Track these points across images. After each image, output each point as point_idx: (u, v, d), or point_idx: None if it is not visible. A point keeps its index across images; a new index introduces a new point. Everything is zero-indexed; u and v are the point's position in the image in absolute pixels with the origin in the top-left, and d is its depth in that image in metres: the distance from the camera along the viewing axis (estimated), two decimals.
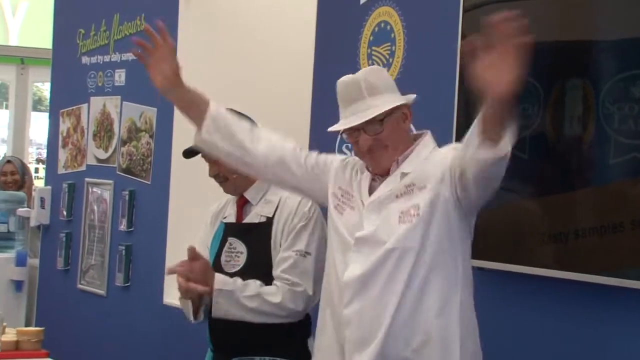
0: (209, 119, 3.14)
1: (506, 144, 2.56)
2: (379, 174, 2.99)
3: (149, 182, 5.78)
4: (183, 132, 5.50)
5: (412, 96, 3.03)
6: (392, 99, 2.95)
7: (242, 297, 3.33)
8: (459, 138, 3.69)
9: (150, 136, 5.77)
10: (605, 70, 3.28)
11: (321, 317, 3.09)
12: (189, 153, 3.60)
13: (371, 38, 4.31)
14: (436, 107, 3.94)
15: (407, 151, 2.98)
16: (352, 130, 2.96)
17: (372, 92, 2.92)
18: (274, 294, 3.37)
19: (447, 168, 2.83)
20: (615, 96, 3.17)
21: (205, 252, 3.58)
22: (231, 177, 3.54)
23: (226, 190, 3.62)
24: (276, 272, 3.42)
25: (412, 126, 3.14)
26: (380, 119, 2.90)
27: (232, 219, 3.60)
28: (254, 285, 3.38)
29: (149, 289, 5.65)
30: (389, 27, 4.22)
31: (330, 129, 3.06)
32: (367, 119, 2.90)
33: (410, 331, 2.81)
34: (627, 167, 3.14)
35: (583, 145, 3.32)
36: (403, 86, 4.06)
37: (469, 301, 2.91)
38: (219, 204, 3.76)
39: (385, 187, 2.94)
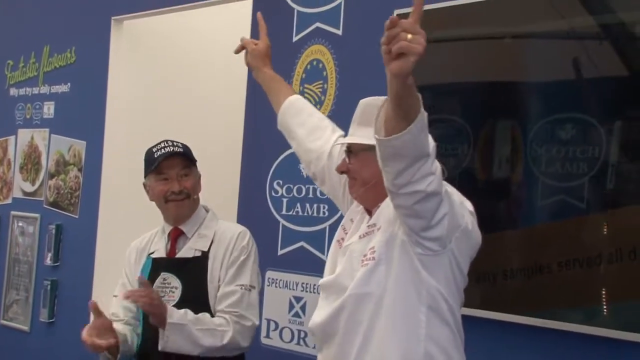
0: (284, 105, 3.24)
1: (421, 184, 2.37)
2: (365, 209, 2.80)
3: (76, 216, 5.70)
4: (112, 165, 5.48)
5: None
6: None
7: (196, 332, 3.29)
8: None
9: (79, 169, 5.70)
10: (533, 112, 3.34)
11: None
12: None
13: (303, 76, 4.33)
14: None
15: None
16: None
17: (362, 121, 2.70)
18: (226, 329, 3.33)
19: None
20: (542, 138, 3.22)
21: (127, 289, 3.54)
22: (192, 197, 3.51)
23: (178, 211, 3.50)
24: (221, 306, 3.38)
25: None
26: (351, 151, 2.75)
27: (161, 253, 3.54)
28: (205, 319, 3.33)
29: (74, 325, 5.53)
30: (321, 65, 4.24)
31: (333, 144, 3.04)
32: (333, 144, 2.95)
33: None
34: (553, 209, 3.19)
35: (511, 186, 3.36)
36: (336, 123, 4.12)
37: (448, 356, 2.61)
38: (141, 239, 3.69)
39: (358, 233, 2.75)
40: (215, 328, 3.32)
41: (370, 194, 2.71)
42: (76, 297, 5.57)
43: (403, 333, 2.55)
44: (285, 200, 4.37)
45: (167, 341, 3.26)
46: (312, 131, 3.13)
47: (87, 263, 5.50)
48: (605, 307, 3.06)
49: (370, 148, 2.56)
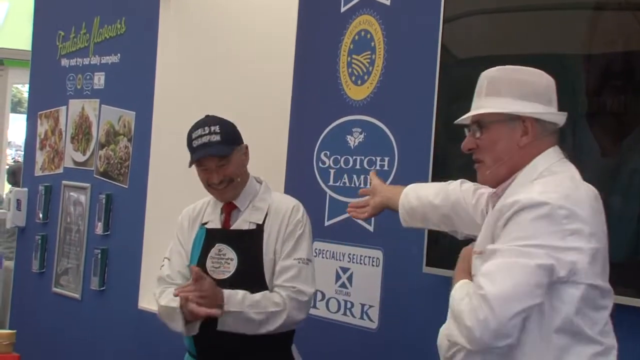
0: (401, 211, 3.19)
1: None
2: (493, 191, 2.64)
3: (126, 186, 5.75)
4: (161, 136, 5.52)
5: (556, 115, 2.56)
6: (510, 104, 2.51)
7: (253, 316, 3.33)
8: (437, 146, 3.73)
9: (129, 140, 5.75)
10: None
11: None
12: None
13: (351, 46, 4.32)
14: (415, 116, 3.96)
15: (511, 179, 2.54)
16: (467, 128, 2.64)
17: (492, 91, 2.53)
18: (282, 309, 3.36)
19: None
20: None
21: (183, 257, 3.57)
22: (236, 180, 3.50)
23: (224, 197, 3.53)
24: (279, 281, 3.42)
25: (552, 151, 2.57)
26: (481, 124, 2.55)
27: (216, 224, 3.56)
28: (263, 302, 3.36)
29: (124, 293, 5.63)
30: (369, 35, 4.22)
31: (455, 121, 2.69)
32: (461, 119, 2.63)
33: None
34: None
35: None
36: (382, 95, 4.12)
37: None
38: (193, 207, 3.71)
39: (482, 232, 2.57)
40: (273, 311, 3.35)
41: (502, 171, 2.54)
42: (126, 265, 5.65)
43: None
44: (332, 171, 4.38)
45: (224, 325, 3.32)
46: (438, 191, 3.07)
47: (137, 232, 5.56)
48: None
49: (504, 119, 2.50)
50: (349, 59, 4.32)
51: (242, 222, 3.52)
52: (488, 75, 2.58)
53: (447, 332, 2.44)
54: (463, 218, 2.97)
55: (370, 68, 4.21)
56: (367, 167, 4.20)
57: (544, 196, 2.33)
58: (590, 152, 3.20)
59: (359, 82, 4.27)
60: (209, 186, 3.51)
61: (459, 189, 3.00)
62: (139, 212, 5.57)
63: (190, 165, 3.50)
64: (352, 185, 4.26)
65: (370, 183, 3.42)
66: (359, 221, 4.17)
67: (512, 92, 2.51)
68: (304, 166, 4.50)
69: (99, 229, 5.88)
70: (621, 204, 3.07)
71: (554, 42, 3.44)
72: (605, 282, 2.44)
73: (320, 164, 4.44)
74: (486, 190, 2.85)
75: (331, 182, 4.38)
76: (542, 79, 2.56)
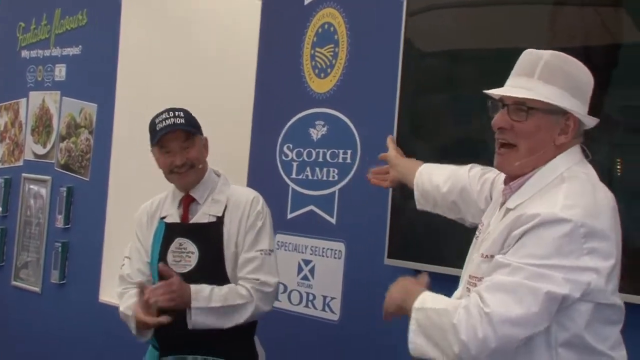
0: (416, 192, 3.13)
1: None
2: (506, 177, 2.50)
3: (87, 179, 5.72)
4: (123, 128, 5.49)
5: (592, 119, 2.42)
6: (560, 97, 2.36)
7: (222, 311, 3.34)
8: (399, 139, 3.74)
9: (90, 132, 5.71)
10: None
11: None
12: None
13: (315, 39, 4.33)
14: (378, 109, 3.97)
15: (529, 174, 2.42)
16: (499, 103, 2.44)
17: (545, 76, 2.36)
18: (249, 301, 3.39)
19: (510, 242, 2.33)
20: None
21: (142, 255, 3.58)
22: (197, 166, 3.51)
23: (185, 182, 3.52)
24: (242, 273, 3.44)
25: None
26: (531, 107, 2.36)
27: (175, 218, 3.56)
28: (230, 295, 3.37)
29: (85, 286, 5.60)
30: (332, 28, 4.23)
31: (487, 90, 2.46)
32: (511, 93, 2.38)
33: None
34: None
35: None
36: (345, 88, 4.13)
37: None
38: (150, 203, 3.70)
39: (491, 225, 2.51)
40: (240, 303, 3.37)
41: (531, 164, 2.41)
42: (87, 259, 5.61)
43: None
44: (295, 164, 4.38)
45: (195, 324, 3.32)
46: (448, 177, 3.02)
47: (98, 225, 5.53)
48: None
49: (550, 110, 2.35)
50: (312, 52, 4.33)
51: (202, 215, 3.52)
52: (543, 57, 2.40)
53: (418, 347, 2.37)
54: (469, 205, 2.92)
55: (334, 61, 4.22)
56: (329, 160, 4.21)
57: (567, 213, 2.22)
58: None
59: (322, 75, 4.27)
60: (170, 172, 3.50)
61: (467, 175, 2.95)
62: (100, 205, 5.54)
63: (154, 144, 3.49)
64: (315, 178, 4.27)
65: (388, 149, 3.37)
66: (322, 214, 4.19)
67: (564, 84, 2.37)
68: (267, 159, 4.51)
69: (60, 222, 5.84)
70: None
71: (515, 37, 3.47)
72: (617, 298, 2.35)
73: (283, 157, 4.45)
74: (492, 175, 2.82)
75: (294, 175, 4.38)
76: (587, 77, 2.44)
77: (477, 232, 2.63)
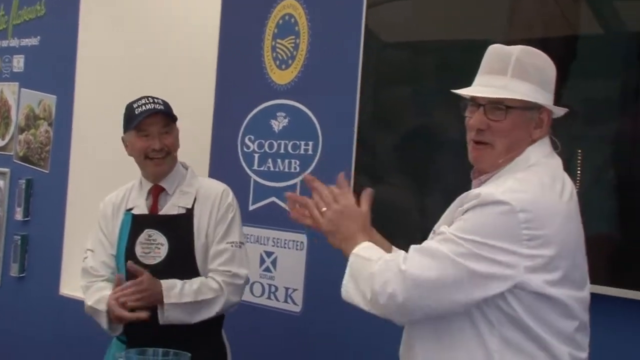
0: None
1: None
2: (477, 172, 2.49)
3: (47, 171, 5.67)
4: (83, 120, 5.45)
5: (562, 110, 2.44)
6: (537, 93, 2.37)
7: (193, 306, 3.33)
8: (360, 130, 3.76)
9: (49, 124, 5.66)
10: None
11: None
12: None
13: (275, 31, 4.32)
14: (339, 100, 3.98)
15: (498, 169, 2.41)
16: (473, 104, 2.42)
17: (519, 73, 2.36)
18: (220, 295, 3.38)
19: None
20: None
21: (106, 247, 3.54)
22: (173, 154, 3.51)
23: (159, 169, 3.49)
24: (213, 265, 3.43)
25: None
26: (508, 106, 2.35)
27: (143, 210, 3.53)
28: (201, 289, 3.36)
29: (45, 279, 5.56)
30: (293, 20, 4.23)
31: (458, 90, 2.45)
32: (491, 95, 2.35)
33: None
34: None
35: None
36: (306, 80, 4.14)
37: None
38: (115, 194, 3.66)
39: (444, 216, 2.50)
40: (212, 297, 3.37)
41: (503, 163, 2.40)
42: (47, 251, 5.57)
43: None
44: (256, 155, 4.38)
45: (167, 319, 3.31)
46: None
47: (58, 218, 5.49)
48: None
49: (525, 107, 2.35)
50: (273, 43, 4.32)
51: (171, 207, 3.50)
52: (514, 54, 2.39)
53: (348, 291, 2.40)
54: None
55: (295, 52, 4.22)
56: (291, 152, 4.21)
57: (508, 196, 2.22)
58: None
59: (283, 66, 4.27)
60: (145, 158, 3.47)
61: None
62: (60, 197, 5.50)
63: (131, 127, 3.45)
64: (277, 169, 4.27)
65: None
66: (284, 205, 4.19)
67: (536, 79, 2.38)
68: (229, 150, 4.50)
69: (19, 214, 5.79)
70: None
71: (475, 28, 3.49)
72: (562, 292, 2.29)
73: (245, 149, 4.44)
74: None
75: (255, 167, 4.38)
76: (553, 69, 2.45)
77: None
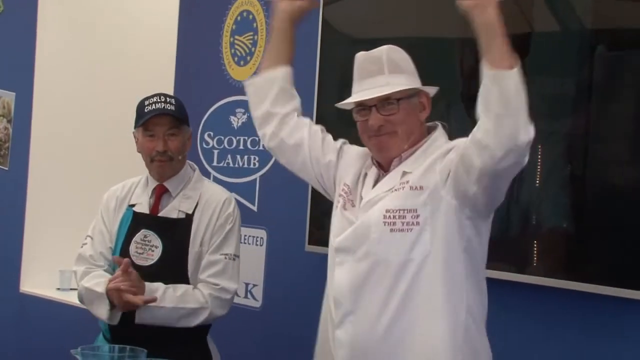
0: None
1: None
2: (383, 165, 2.65)
3: (6, 168, 5.64)
4: (42, 117, 5.42)
5: (434, 88, 2.66)
6: (413, 81, 2.60)
7: (171, 312, 3.26)
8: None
9: (8, 121, 5.63)
10: None
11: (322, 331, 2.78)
12: None
13: (234, 27, 4.33)
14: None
15: (415, 147, 2.60)
16: (363, 108, 2.60)
17: (394, 69, 2.58)
18: (205, 307, 3.31)
19: (450, 166, 2.48)
20: None
21: (106, 238, 3.47)
22: (176, 159, 3.40)
23: (161, 173, 3.41)
24: (203, 275, 3.35)
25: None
26: (397, 98, 2.55)
27: (144, 208, 3.44)
28: (185, 298, 3.29)
29: (5, 277, 5.52)
30: (251, 16, 4.24)
31: (341, 103, 2.68)
32: (384, 93, 2.53)
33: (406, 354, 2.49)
34: None
35: None
36: None
37: (478, 327, 2.54)
38: (121, 186, 3.57)
39: (382, 187, 2.59)
40: (195, 308, 3.30)
41: (408, 147, 2.59)
42: (6, 249, 5.53)
43: (449, 303, 2.46)
44: (216, 152, 4.39)
45: (142, 319, 3.25)
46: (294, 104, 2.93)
47: (17, 215, 5.45)
48: None
49: (409, 95, 2.57)
50: (231, 39, 4.33)
51: (172, 210, 3.42)
52: (384, 54, 2.59)
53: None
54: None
55: (253, 49, 4.22)
56: (250, 148, 4.22)
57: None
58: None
59: (242, 62, 4.28)
60: (151, 161, 3.39)
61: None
62: (19, 194, 5.46)
63: (139, 125, 3.38)
64: (236, 165, 4.28)
65: None
66: (244, 201, 4.21)
67: (408, 69, 2.61)
68: None
69: None
70: None
71: (431, 26, 3.52)
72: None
73: (204, 145, 4.44)
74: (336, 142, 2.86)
75: (215, 163, 4.39)
76: (410, 59, 2.66)
77: (341, 192, 2.71)
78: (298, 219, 3.86)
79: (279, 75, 2.88)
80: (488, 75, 2.28)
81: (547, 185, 3.15)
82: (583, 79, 3.13)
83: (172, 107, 3.38)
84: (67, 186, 5.43)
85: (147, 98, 3.42)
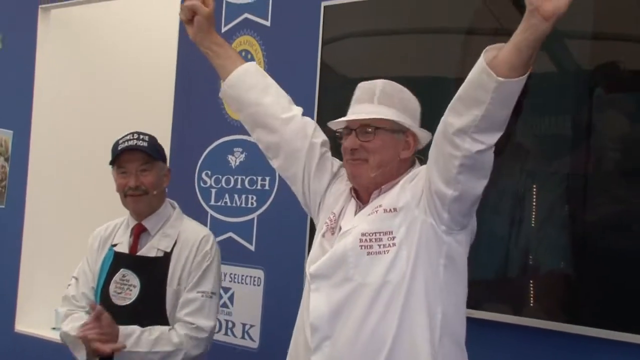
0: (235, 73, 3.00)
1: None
2: (362, 196, 2.68)
3: (3, 206, 5.63)
4: (40, 156, 5.42)
5: (427, 134, 2.64)
6: (400, 117, 2.62)
7: (147, 356, 3.25)
8: None
9: (6, 159, 5.63)
10: None
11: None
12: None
13: None
14: None
15: (394, 181, 2.64)
16: (348, 132, 2.66)
17: (384, 101, 2.63)
18: (179, 348, 3.29)
19: (422, 184, 2.54)
20: None
21: (89, 279, 3.49)
22: (151, 193, 3.42)
23: (136, 208, 3.44)
24: (180, 314, 3.35)
25: None
26: (376, 127, 2.59)
27: (124, 248, 3.47)
28: (160, 341, 3.27)
29: (0, 316, 5.50)
30: (250, 56, 4.25)
31: (330, 122, 2.76)
32: (360, 117, 2.61)
33: None
34: None
35: None
36: None
37: (456, 340, 2.57)
38: (105, 227, 3.61)
39: (360, 217, 2.62)
40: (170, 350, 3.28)
41: (379, 178, 2.62)
42: (2, 288, 5.51)
43: (427, 318, 2.47)
44: (213, 190, 4.38)
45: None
46: (279, 98, 3.02)
47: (14, 253, 5.44)
48: None
49: (392, 129, 2.61)
50: None
51: (150, 249, 3.43)
52: (378, 85, 2.67)
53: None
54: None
55: None
56: (248, 187, 4.21)
57: None
58: None
59: None
60: (125, 196, 3.42)
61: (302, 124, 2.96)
62: (16, 232, 5.45)
63: (111, 162, 3.41)
64: (234, 204, 4.27)
65: None
66: (241, 241, 4.19)
67: (400, 106, 2.64)
68: (186, 185, 4.49)
69: None
70: (490, 224, 3.16)
71: (429, 65, 3.53)
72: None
73: (202, 184, 4.44)
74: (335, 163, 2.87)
75: (212, 202, 4.38)
76: (416, 102, 2.71)
77: (326, 220, 2.72)
78: (296, 259, 3.85)
79: (242, 69, 3.00)
80: (492, 79, 2.25)
81: (544, 226, 3.14)
82: (580, 119, 3.13)
83: (144, 144, 3.41)
84: (63, 225, 5.42)
85: (121, 137, 3.46)
